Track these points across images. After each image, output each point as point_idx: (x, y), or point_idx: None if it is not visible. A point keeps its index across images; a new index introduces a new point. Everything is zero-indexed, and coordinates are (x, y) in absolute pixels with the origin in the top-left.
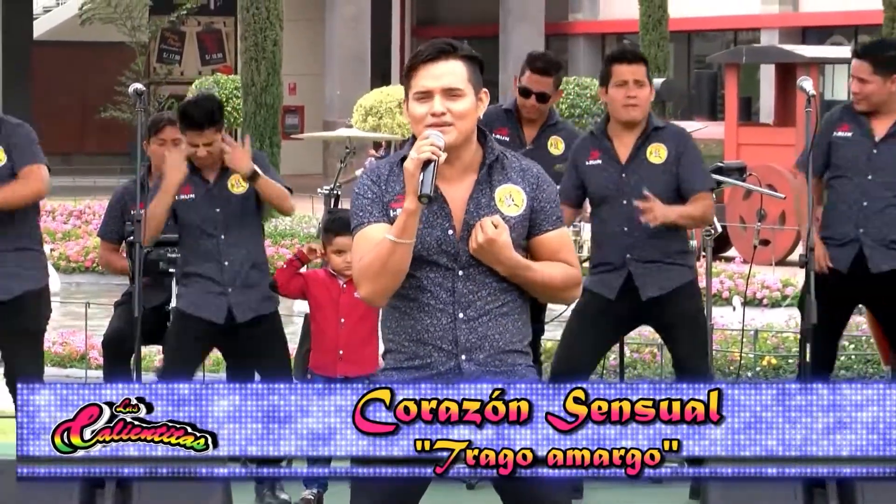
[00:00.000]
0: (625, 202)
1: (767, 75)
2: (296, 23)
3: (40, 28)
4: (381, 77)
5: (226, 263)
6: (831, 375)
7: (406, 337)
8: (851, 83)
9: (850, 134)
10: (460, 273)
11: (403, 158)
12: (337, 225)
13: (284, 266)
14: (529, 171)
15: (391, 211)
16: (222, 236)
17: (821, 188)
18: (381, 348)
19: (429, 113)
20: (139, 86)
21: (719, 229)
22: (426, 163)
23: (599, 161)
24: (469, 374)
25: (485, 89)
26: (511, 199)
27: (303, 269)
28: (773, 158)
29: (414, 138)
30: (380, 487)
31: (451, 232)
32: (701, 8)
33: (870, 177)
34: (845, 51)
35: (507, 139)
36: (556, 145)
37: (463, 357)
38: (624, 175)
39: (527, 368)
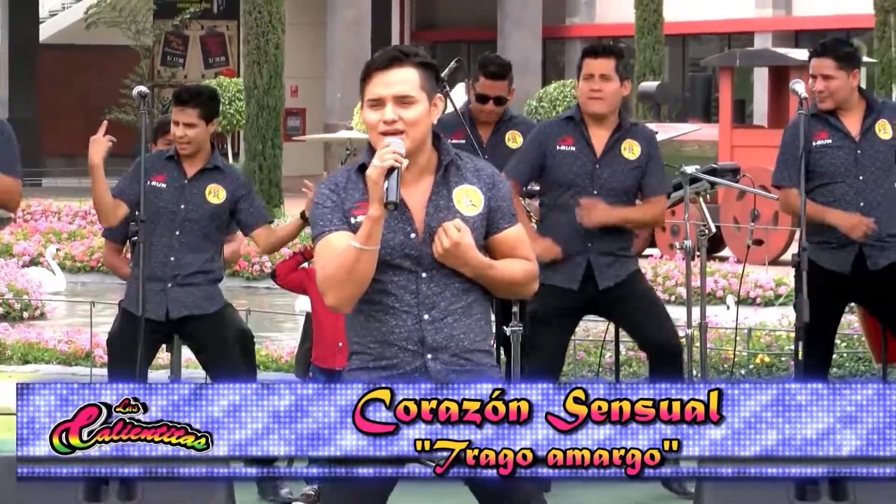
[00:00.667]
0: (595, 192)
1: (761, 78)
2: (297, 26)
3: (46, 31)
4: None
5: (171, 259)
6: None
7: (372, 339)
8: (814, 84)
9: (829, 140)
10: (423, 275)
11: (361, 166)
12: None
13: (287, 259)
14: (484, 171)
15: (352, 218)
16: (177, 232)
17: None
18: None
19: (381, 120)
20: (143, 88)
21: (713, 229)
22: (389, 170)
23: (573, 148)
24: (435, 372)
25: (439, 94)
26: (469, 199)
27: (305, 265)
28: (766, 160)
29: (370, 146)
30: (353, 487)
31: (413, 235)
32: (695, 12)
33: (861, 177)
34: None
35: (464, 142)
36: (514, 139)
37: (429, 356)
38: (598, 167)
39: (492, 367)
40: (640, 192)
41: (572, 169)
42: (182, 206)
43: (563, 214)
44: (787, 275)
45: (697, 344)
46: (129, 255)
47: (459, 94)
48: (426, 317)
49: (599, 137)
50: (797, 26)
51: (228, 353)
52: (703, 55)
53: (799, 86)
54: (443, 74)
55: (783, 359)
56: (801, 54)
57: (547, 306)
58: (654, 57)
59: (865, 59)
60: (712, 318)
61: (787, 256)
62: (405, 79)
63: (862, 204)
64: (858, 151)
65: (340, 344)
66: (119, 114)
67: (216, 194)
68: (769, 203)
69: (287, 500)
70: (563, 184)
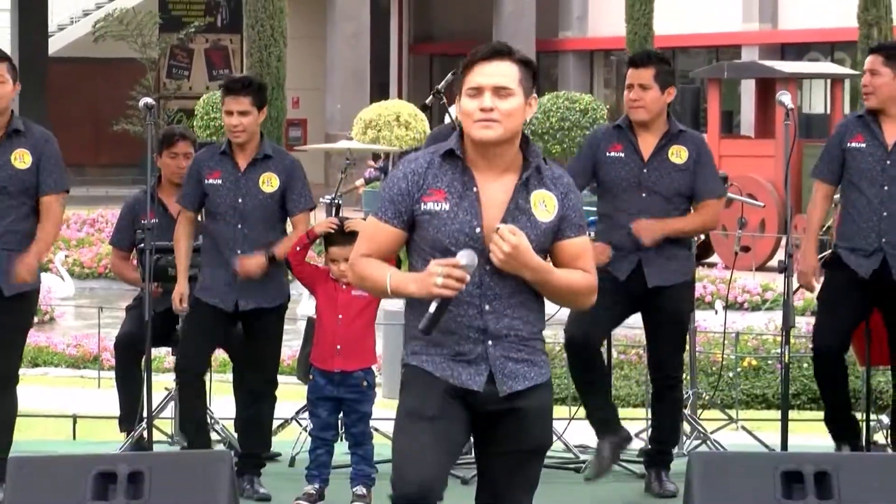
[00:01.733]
0: (644, 195)
1: (748, 90)
2: (299, 40)
3: (55, 45)
4: (379, 91)
5: (239, 252)
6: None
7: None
8: (863, 79)
9: (863, 144)
10: (487, 268)
11: (448, 152)
12: (335, 237)
13: (297, 248)
14: (561, 179)
15: (421, 205)
16: (239, 226)
17: (831, 197)
18: (380, 343)
19: (478, 108)
20: (149, 100)
21: (702, 236)
22: (442, 299)
23: (622, 154)
24: (494, 358)
25: (534, 95)
26: (544, 204)
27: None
28: (753, 169)
29: (460, 130)
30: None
31: (478, 230)
32: (685, 26)
33: (886, 187)
34: (822, 66)
35: None
36: None
37: (489, 343)
38: (645, 171)
39: (543, 354)
40: (693, 197)
41: (620, 174)
42: (240, 200)
43: (613, 219)
44: (774, 280)
45: (687, 347)
46: (135, 262)
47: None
48: (487, 307)
49: (647, 143)
50: (783, 40)
51: (279, 348)
52: (692, 68)
53: (785, 97)
54: (439, 86)
55: (770, 362)
56: (786, 66)
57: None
58: None
59: (849, 70)
60: (701, 322)
61: (774, 262)
62: (505, 72)
63: (885, 214)
64: (888, 161)
65: (339, 347)
66: (126, 125)
67: (270, 183)
68: (756, 211)
69: (264, 496)
70: (612, 189)
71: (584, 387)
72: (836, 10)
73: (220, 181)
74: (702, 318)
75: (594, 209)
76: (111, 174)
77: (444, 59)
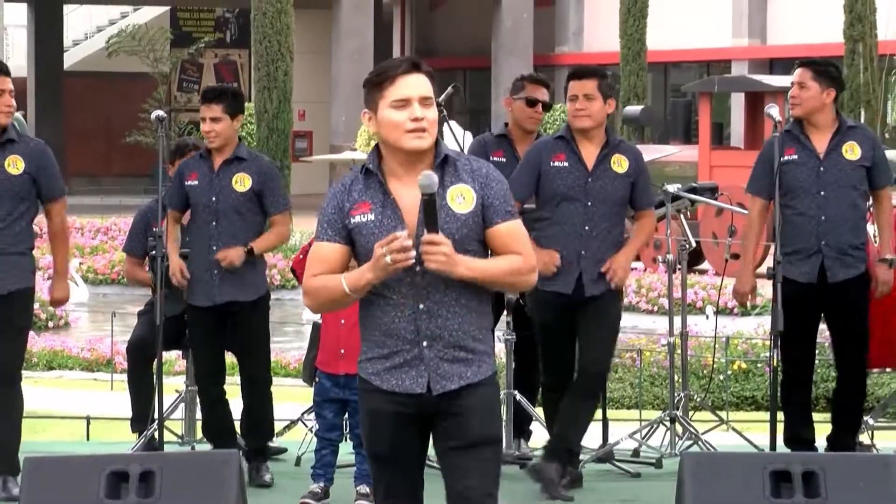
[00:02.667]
0: (589, 203)
1: (738, 103)
2: (304, 55)
3: (70, 59)
4: None
5: (214, 248)
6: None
7: (376, 329)
8: (790, 91)
9: (796, 156)
10: (417, 268)
11: (365, 169)
12: None
13: (301, 256)
14: (479, 170)
15: (351, 218)
16: (213, 223)
17: (766, 211)
18: None
19: (409, 118)
20: (161, 113)
21: (693, 244)
22: (425, 201)
23: (566, 163)
24: (429, 360)
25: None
26: (462, 197)
27: None
28: (742, 179)
29: (377, 147)
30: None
31: (403, 233)
32: (676, 41)
33: (822, 193)
34: None
35: (504, 160)
36: None
37: (424, 344)
38: (590, 180)
39: (485, 356)
40: (633, 207)
41: (566, 182)
42: (213, 199)
43: (557, 226)
44: (763, 286)
45: (679, 351)
46: (147, 268)
47: (458, 129)
48: (421, 306)
49: (590, 153)
50: (771, 54)
51: (263, 342)
52: (684, 81)
53: (773, 110)
54: (440, 100)
55: (759, 365)
56: (775, 80)
57: (550, 311)
58: (637, 83)
59: None
60: (692, 327)
61: (763, 269)
62: (425, 82)
63: (823, 218)
64: (821, 168)
65: (343, 351)
66: (138, 136)
67: (242, 182)
68: (745, 219)
69: (265, 483)
70: (557, 197)
71: (553, 415)
72: (822, 26)
73: (196, 182)
74: (693, 322)
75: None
76: (124, 184)
77: (445, 74)
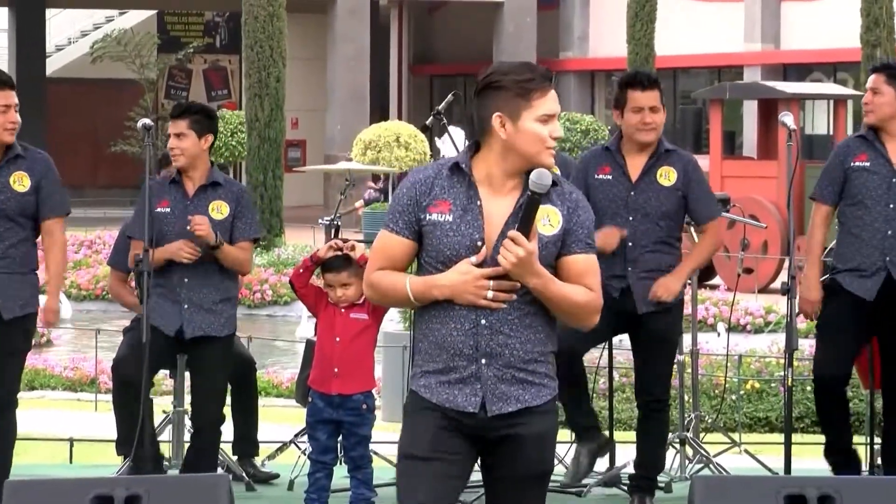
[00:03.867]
0: (630, 218)
1: (750, 110)
2: (298, 61)
3: (53, 65)
4: (379, 112)
5: (186, 280)
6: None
7: (431, 340)
8: (864, 97)
9: (867, 163)
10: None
11: (454, 165)
12: (331, 263)
13: (301, 270)
14: (570, 195)
15: (427, 215)
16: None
17: (830, 218)
18: (379, 366)
19: (551, 135)
20: (148, 121)
21: None
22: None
23: (610, 176)
24: (486, 379)
25: None
26: (548, 219)
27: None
28: (755, 190)
29: (473, 147)
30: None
31: (479, 243)
32: (686, 46)
33: (892, 205)
34: (825, 87)
35: None
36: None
37: (483, 361)
38: (633, 193)
39: (547, 379)
40: (693, 221)
41: (608, 196)
42: (188, 228)
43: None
44: (777, 302)
45: (689, 370)
46: (133, 284)
47: (459, 136)
48: (483, 322)
49: (636, 165)
50: (785, 60)
51: (219, 382)
52: (694, 88)
53: (787, 118)
54: (439, 107)
55: (773, 385)
56: (789, 87)
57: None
58: None
59: (852, 91)
60: (704, 344)
61: (777, 284)
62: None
63: (890, 232)
64: (894, 179)
65: (337, 369)
66: (124, 146)
67: (219, 210)
68: (758, 232)
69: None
70: (601, 211)
71: (565, 393)
72: (838, 30)
73: (168, 209)
74: (704, 340)
75: None
76: (109, 195)
77: (445, 80)
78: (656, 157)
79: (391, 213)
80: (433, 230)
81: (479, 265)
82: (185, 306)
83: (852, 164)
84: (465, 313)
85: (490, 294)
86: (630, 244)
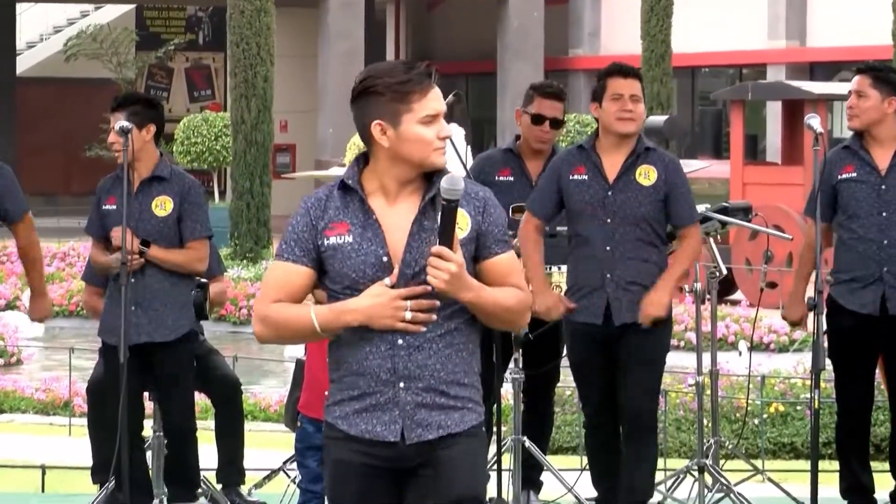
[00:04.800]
0: (609, 221)
1: (774, 112)
2: (287, 58)
3: (24, 64)
4: None
5: (132, 281)
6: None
7: (347, 367)
8: (848, 101)
9: (854, 174)
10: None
11: (342, 183)
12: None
13: None
14: (476, 194)
15: (325, 239)
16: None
17: (830, 234)
18: None
19: (437, 136)
20: (126, 123)
21: (724, 271)
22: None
23: (585, 176)
24: (405, 404)
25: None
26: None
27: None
28: (779, 198)
29: (359, 160)
30: None
31: (385, 258)
32: (705, 43)
33: (884, 214)
34: None
35: (512, 179)
36: None
37: (401, 385)
38: (610, 193)
39: (473, 403)
40: (671, 224)
41: (584, 197)
42: (133, 225)
43: (582, 247)
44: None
45: (708, 392)
46: None
47: (457, 134)
48: (400, 341)
49: (613, 164)
50: (812, 58)
51: (183, 387)
52: (714, 88)
53: (814, 120)
54: None
55: (798, 408)
56: (815, 87)
57: (580, 343)
58: (661, 90)
59: None
60: (724, 364)
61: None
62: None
63: (886, 242)
64: (882, 186)
65: (328, 392)
66: (100, 150)
67: (163, 206)
68: (783, 244)
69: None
70: (577, 213)
71: (598, 461)
72: (869, 26)
73: (115, 206)
74: (724, 360)
75: None
76: (84, 204)
77: (445, 80)
78: (635, 155)
79: (285, 242)
80: (334, 254)
81: (393, 286)
82: (133, 308)
83: (839, 177)
84: (381, 334)
85: (409, 315)
86: (608, 249)
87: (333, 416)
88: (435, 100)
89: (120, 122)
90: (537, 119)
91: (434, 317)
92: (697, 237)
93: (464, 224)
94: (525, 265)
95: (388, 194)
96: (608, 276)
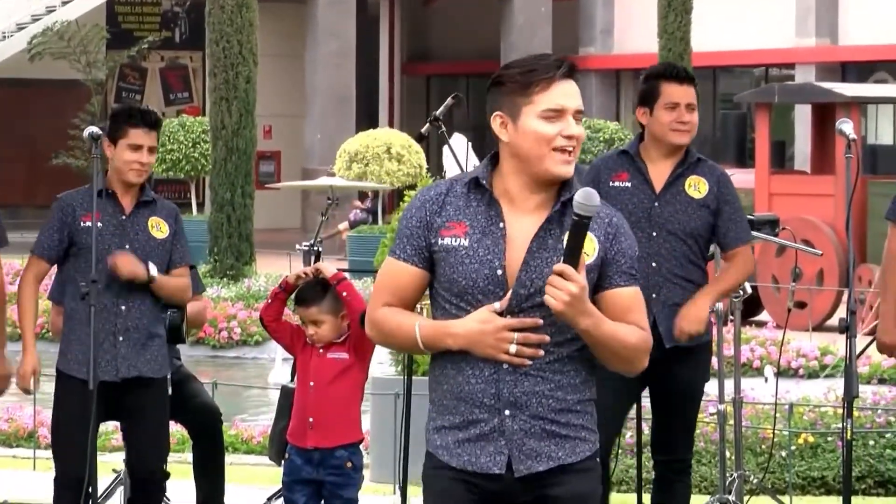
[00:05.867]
0: (654, 234)
1: (803, 116)
2: (272, 58)
3: None
4: (367, 119)
5: (122, 308)
6: None
7: (447, 389)
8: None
9: None
10: (508, 317)
11: (473, 180)
12: (301, 295)
13: (270, 302)
14: (609, 218)
15: (439, 238)
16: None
17: None
18: (367, 418)
19: (562, 134)
20: (95, 129)
21: (749, 290)
22: None
23: (629, 184)
24: (512, 433)
25: None
26: None
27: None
28: (809, 210)
29: (493, 158)
30: None
31: (499, 272)
32: (728, 41)
33: None
34: (890, 89)
35: None
36: None
37: (507, 412)
38: (657, 205)
39: (586, 432)
40: (719, 244)
41: (627, 207)
42: (127, 247)
43: None
44: (834, 342)
45: (731, 421)
46: None
47: (459, 144)
48: (506, 365)
49: (660, 172)
50: (844, 57)
51: (160, 427)
52: (737, 90)
53: (846, 125)
54: (437, 112)
55: (829, 439)
56: (848, 89)
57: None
58: None
59: None
60: (748, 391)
61: (834, 321)
62: (579, 94)
63: None
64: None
65: (311, 419)
66: (67, 158)
67: (160, 228)
68: (813, 260)
69: None
70: None
71: None
72: None
73: (99, 224)
74: (749, 386)
75: None
76: (50, 216)
77: (443, 81)
78: (686, 164)
79: (398, 237)
80: (446, 257)
81: (502, 313)
82: (121, 339)
83: None
84: (484, 357)
85: (513, 349)
86: (654, 265)
87: (434, 445)
88: (564, 95)
89: (90, 128)
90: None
91: (541, 352)
92: (751, 257)
93: (590, 249)
94: None
95: (512, 201)
96: (653, 296)
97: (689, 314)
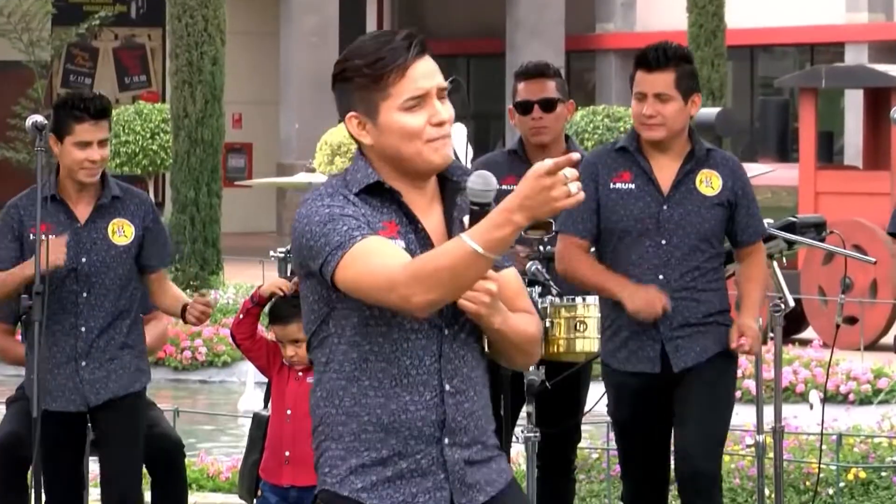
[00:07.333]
0: (664, 242)
1: (854, 103)
2: (242, 36)
3: None
4: None
5: (82, 330)
6: None
7: (368, 420)
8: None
9: None
10: (446, 332)
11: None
12: (277, 311)
13: (241, 317)
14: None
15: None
16: (84, 294)
17: None
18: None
19: (429, 122)
20: (39, 118)
21: (791, 303)
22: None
23: (632, 185)
24: (453, 464)
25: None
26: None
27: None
28: (861, 211)
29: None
30: None
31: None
32: (768, 17)
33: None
34: None
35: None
36: None
37: (446, 441)
38: (666, 208)
39: (498, 450)
40: (734, 241)
41: (632, 212)
42: (84, 260)
43: (622, 272)
44: (889, 363)
45: (771, 454)
46: (19, 338)
47: (458, 135)
48: (448, 387)
49: (666, 170)
50: None
51: (133, 449)
52: (778, 73)
53: None
54: None
55: (883, 474)
56: None
57: (627, 396)
58: (713, 75)
59: None
60: (790, 420)
61: (889, 339)
62: (437, 68)
63: None
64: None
65: (287, 453)
66: (7, 151)
67: (123, 232)
68: (865, 269)
69: None
70: (619, 232)
71: None
72: None
73: (51, 236)
74: (791, 414)
75: None
76: None
77: (442, 62)
78: (694, 159)
79: (346, 225)
80: None
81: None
82: (83, 363)
83: None
84: (426, 378)
85: (574, 187)
86: (661, 278)
87: (353, 488)
88: (420, 77)
89: (34, 117)
90: (523, 107)
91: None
92: (763, 252)
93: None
94: (586, 278)
95: (411, 202)
96: (662, 314)
97: (749, 326)
